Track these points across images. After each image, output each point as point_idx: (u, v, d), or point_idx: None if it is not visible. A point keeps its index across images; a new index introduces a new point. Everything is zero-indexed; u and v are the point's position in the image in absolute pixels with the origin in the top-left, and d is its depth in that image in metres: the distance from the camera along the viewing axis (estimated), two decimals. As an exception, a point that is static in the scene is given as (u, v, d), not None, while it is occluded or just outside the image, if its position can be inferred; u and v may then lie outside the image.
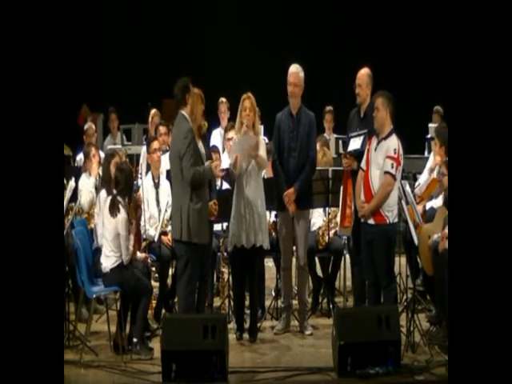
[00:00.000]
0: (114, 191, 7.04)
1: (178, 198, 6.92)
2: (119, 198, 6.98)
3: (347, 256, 8.32)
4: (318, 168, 7.83)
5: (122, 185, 7.01)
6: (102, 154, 9.45)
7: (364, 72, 7.63)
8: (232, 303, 7.82)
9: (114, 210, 6.94)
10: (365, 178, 7.03)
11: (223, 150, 9.53)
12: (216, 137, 10.84)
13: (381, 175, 6.92)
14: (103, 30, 14.20)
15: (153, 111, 10.55)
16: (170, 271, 8.14)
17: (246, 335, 7.44)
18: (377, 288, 7.06)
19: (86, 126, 11.15)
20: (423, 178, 8.33)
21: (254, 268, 7.48)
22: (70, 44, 6.77)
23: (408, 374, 6.46)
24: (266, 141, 9.34)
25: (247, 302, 7.69)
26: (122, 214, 6.93)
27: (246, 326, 7.53)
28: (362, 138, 7.34)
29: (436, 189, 7.98)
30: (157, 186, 8.28)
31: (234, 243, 7.33)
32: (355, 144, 7.43)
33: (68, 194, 7.33)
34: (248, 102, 7.33)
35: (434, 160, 8.28)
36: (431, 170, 8.24)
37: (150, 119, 10.58)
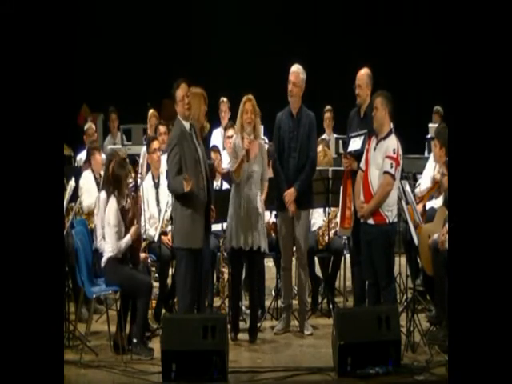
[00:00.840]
0: (110, 187, 7.07)
1: (174, 203, 6.97)
2: (113, 191, 7.01)
3: (347, 256, 8.32)
4: (318, 168, 7.83)
5: (116, 179, 7.03)
6: (103, 155, 9.45)
7: (364, 72, 7.63)
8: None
9: (107, 201, 6.98)
10: (364, 178, 7.03)
11: (223, 149, 9.53)
12: (216, 136, 10.85)
13: (380, 175, 6.91)
14: (103, 29, 14.19)
15: (150, 112, 10.54)
16: (170, 271, 8.13)
17: (245, 335, 7.44)
18: (377, 288, 7.06)
19: (86, 126, 11.15)
20: (424, 184, 8.25)
21: (254, 268, 7.48)
22: (69, 44, 6.78)
23: (408, 374, 6.46)
24: (266, 140, 9.34)
25: (248, 302, 7.70)
26: (112, 203, 6.95)
27: (246, 326, 7.53)
28: (362, 138, 7.34)
29: (436, 189, 7.96)
30: (157, 185, 8.29)
31: (231, 245, 7.33)
32: (355, 144, 7.43)
33: (68, 194, 7.33)
34: (249, 104, 7.31)
35: (436, 170, 8.18)
36: (435, 180, 8.12)
37: (148, 119, 10.57)
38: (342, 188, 7.49)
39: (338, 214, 7.64)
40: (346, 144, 7.96)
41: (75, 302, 7.60)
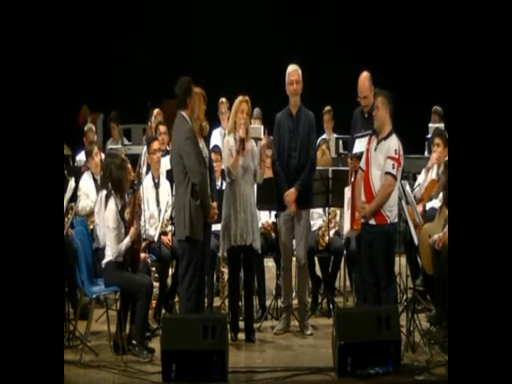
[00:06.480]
0: (109, 187, 7.07)
1: (181, 196, 6.94)
2: (112, 193, 7.01)
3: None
4: (318, 168, 7.83)
5: (116, 180, 7.04)
6: (102, 155, 9.44)
7: (364, 80, 7.56)
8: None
9: (106, 204, 6.98)
10: (365, 179, 7.01)
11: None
12: (216, 136, 10.84)
13: (381, 176, 6.90)
14: (103, 29, 14.19)
15: (155, 111, 10.54)
16: (170, 271, 8.14)
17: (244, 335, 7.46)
18: (377, 288, 7.05)
19: (86, 128, 11.17)
20: (421, 178, 8.32)
21: (250, 265, 7.48)
22: (70, 44, 6.77)
23: (408, 374, 6.47)
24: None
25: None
26: (111, 206, 6.95)
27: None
28: (367, 139, 7.29)
29: (435, 189, 7.98)
30: (157, 185, 8.29)
31: (227, 248, 7.33)
32: (361, 145, 7.37)
33: (68, 194, 7.33)
34: (245, 105, 7.33)
35: (430, 160, 8.29)
36: (428, 170, 8.24)
37: (152, 118, 10.56)
38: (350, 190, 7.39)
39: (346, 216, 7.55)
40: (348, 144, 7.95)
41: (72, 307, 7.56)
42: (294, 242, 7.70)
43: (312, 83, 7.95)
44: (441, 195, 7.72)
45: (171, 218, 7.85)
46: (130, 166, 7.85)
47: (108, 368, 6.70)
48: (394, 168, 6.86)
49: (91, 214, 8.13)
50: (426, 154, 11.02)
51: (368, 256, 7.03)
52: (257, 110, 10.63)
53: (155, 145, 8.35)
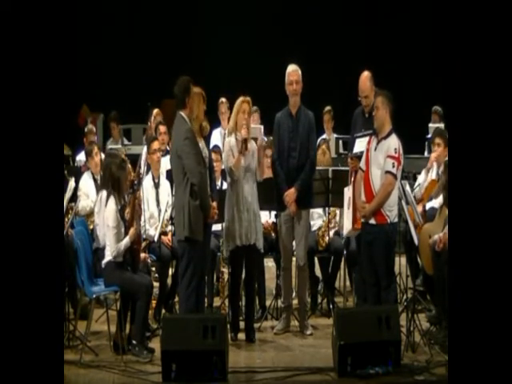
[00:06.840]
0: (109, 186, 7.08)
1: (180, 196, 6.94)
2: (112, 192, 7.02)
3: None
4: (318, 168, 7.83)
5: (116, 180, 7.04)
6: (102, 155, 9.45)
7: (365, 79, 7.57)
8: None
9: (106, 203, 6.99)
10: (365, 178, 7.01)
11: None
12: (216, 136, 10.85)
13: (382, 175, 6.89)
14: (103, 29, 14.20)
15: (155, 111, 10.55)
16: (170, 271, 8.14)
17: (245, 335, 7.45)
18: (377, 288, 7.05)
19: (86, 129, 11.18)
20: (421, 179, 8.34)
21: (252, 265, 7.48)
22: (70, 44, 6.78)
23: (408, 374, 6.46)
24: (265, 140, 9.34)
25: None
26: (111, 205, 6.95)
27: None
28: (367, 139, 7.29)
29: (435, 189, 7.98)
30: (157, 185, 8.29)
31: (231, 248, 7.33)
32: (361, 145, 7.38)
33: (68, 194, 7.33)
34: (246, 105, 7.34)
35: (430, 159, 8.31)
36: (428, 170, 8.25)
37: (152, 119, 10.57)
38: (352, 190, 7.38)
39: (346, 216, 7.55)
40: (348, 144, 7.95)
41: (73, 307, 7.56)
42: (294, 242, 7.71)
43: (312, 83, 7.94)
44: (441, 195, 7.72)
45: (171, 217, 7.85)
46: (130, 165, 7.87)
47: (108, 368, 6.70)
48: (394, 167, 6.85)
49: (91, 214, 8.14)
50: (425, 154, 11.03)
51: (368, 256, 7.03)
52: (254, 108, 10.65)
53: (155, 145, 8.36)
